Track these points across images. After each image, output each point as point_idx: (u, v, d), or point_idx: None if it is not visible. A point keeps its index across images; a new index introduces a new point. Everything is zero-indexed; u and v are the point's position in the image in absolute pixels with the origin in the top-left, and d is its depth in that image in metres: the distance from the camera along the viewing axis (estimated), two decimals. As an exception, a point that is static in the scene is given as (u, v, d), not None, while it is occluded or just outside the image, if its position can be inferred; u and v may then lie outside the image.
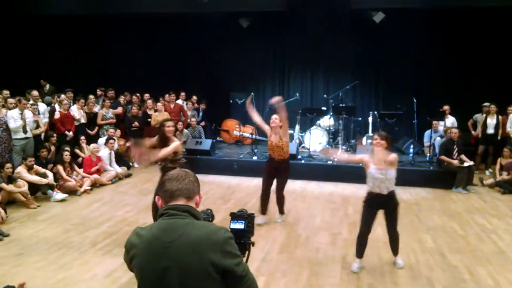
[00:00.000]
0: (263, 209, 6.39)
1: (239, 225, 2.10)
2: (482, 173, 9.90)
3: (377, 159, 4.57)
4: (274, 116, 6.07)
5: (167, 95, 11.36)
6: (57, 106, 9.61)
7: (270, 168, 6.33)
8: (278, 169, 6.27)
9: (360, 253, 4.87)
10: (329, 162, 9.41)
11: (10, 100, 8.46)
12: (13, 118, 8.00)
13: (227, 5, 11.06)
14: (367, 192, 4.76)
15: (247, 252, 2.10)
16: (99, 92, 11.26)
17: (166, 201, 1.88)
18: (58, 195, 7.56)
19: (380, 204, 4.71)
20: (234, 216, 2.13)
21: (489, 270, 4.88)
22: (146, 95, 11.38)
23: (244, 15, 11.70)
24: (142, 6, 11.49)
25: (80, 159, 8.93)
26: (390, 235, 4.88)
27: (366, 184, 4.77)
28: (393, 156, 4.59)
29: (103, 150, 9.28)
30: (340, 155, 4.85)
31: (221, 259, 1.72)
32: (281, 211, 6.56)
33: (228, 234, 1.80)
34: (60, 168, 7.97)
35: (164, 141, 5.43)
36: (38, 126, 8.86)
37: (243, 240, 2.07)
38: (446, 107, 10.18)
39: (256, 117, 6.33)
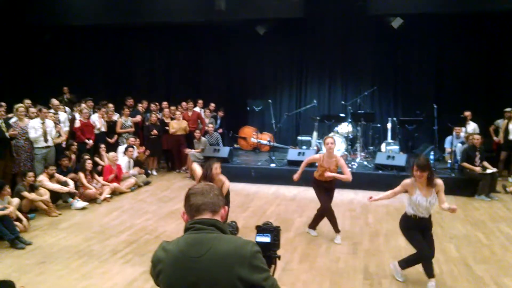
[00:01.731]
0: (336, 227, 6.09)
1: (265, 239, 2.06)
2: (505, 179, 9.68)
3: (421, 185, 4.47)
4: (330, 141, 5.91)
5: (184, 103, 11.43)
6: (77, 115, 9.74)
7: (322, 188, 6.10)
8: (330, 188, 6.11)
9: (429, 273, 4.60)
10: (348, 170, 9.29)
11: (32, 110, 8.60)
12: (34, 128, 8.13)
13: (243, 13, 11.11)
14: (408, 215, 4.61)
15: (273, 266, 2.07)
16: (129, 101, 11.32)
17: (192, 215, 1.86)
18: (79, 203, 7.64)
19: (421, 227, 4.60)
20: (260, 230, 2.09)
21: (517, 282, 4.75)
22: (164, 103, 11.47)
23: (261, 22, 11.72)
24: (160, 15, 11.61)
25: (99, 167, 9.02)
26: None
27: (405, 207, 4.66)
28: (440, 183, 4.48)
29: (122, 159, 9.36)
30: (380, 196, 4.82)
31: (249, 274, 1.70)
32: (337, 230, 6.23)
33: (255, 248, 1.77)
34: (81, 175, 8.06)
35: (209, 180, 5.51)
36: (59, 135, 8.98)
37: (269, 254, 2.04)
38: (467, 113, 10.00)
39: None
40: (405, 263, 4.75)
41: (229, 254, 1.71)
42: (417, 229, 4.59)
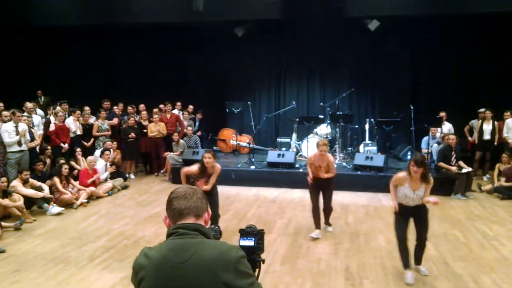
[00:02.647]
0: (317, 224, 6.32)
1: (249, 242, 2.03)
2: (479, 179, 9.90)
3: (413, 182, 4.66)
4: (324, 148, 6.09)
5: (162, 105, 11.30)
6: (52, 118, 9.52)
7: (315, 186, 6.31)
8: (324, 186, 6.33)
9: (404, 263, 4.81)
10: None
11: (5, 113, 8.35)
12: (8, 131, 7.90)
13: (222, 14, 11.06)
14: (398, 203, 4.82)
15: (257, 269, 2.04)
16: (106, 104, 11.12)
17: (175, 220, 1.81)
18: (54, 208, 7.45)
19: (410, 214, 4.81)
20: (244, 233, 2.06)
21: (493, 278, 4.83)
22: (141, 106, 11.31)
23: (239, 24, 11.70)
24: (138, 16, 11.46)
25: (75, 172, 8.82)
26: (418, 243, 4.89)
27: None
28: (432, 180, 4.71)
29: (98, 162, 9.19)
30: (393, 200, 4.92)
31: (235, 280, 1.66)
32: (328, 222, 6.58)
33: (240, 253, 1.73)
34: (56, 180, 7.87)
35: (205, 171, 5.93)
36: (33, 139, 8.74)
37: (253, 257, 2.01)
38: (442, 114, 10.19)
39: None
40: (401, 260, 4.85)
41: (214, 259, 1.67)
42: (404, 216, 4.80)
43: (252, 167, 9.93)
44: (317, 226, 6.30)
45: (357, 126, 11.40)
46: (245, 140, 11.66)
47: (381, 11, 10.56)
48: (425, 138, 10.06)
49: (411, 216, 4.83)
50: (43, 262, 5.36)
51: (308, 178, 6.27)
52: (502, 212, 7.54)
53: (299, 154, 10.70)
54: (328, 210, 6.47)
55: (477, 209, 7.78)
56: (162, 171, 10.75)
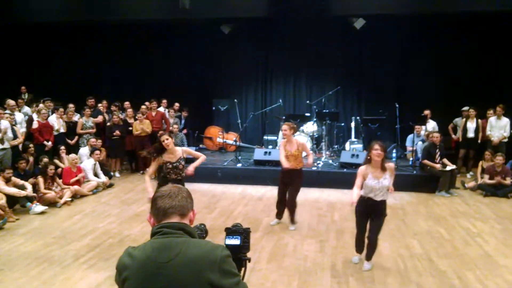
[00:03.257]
0: (279, 215, 6.64)
1: (235, 241, 2.02)
2: (463, 176, 10.04)
3: (374, 168, 4.75)
4: (284, 127, 6.21)
5: (147, 103, 11.20)
6: (35, 116, 9.36)
7: (283, 176, 6.40)
8: (291, 178, 6.32)
9: (356, 248, 5.16)
10: (314, 168, 9.40)
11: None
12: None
13: (208, 12, 11.00)
14: (362, 195, 4.87)
15: (243, 268, 2.02)
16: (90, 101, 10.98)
17: (159, 219, 1.79)
18: (38, 207, 7.33)
19: (369, 208, 4.87)
20: (230, 232, 2.04)
21: (477, 275, 4.90)
22: (126, 103, 11.20)
23: (225, 21, 11.65)
24: (123, 13, 11.34)
25: (59, 170, 8.69)
26: (369, 242, 5.00)
27: (352, 190, 4.87)
28: (391, 165, 4.88)
29: (87, 161, 9.08)
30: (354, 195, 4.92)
31: (220, 279, 1.65)
32: (293, 220, 6.57)
33: (225, 252, 1.72)
34: (41, 180, 7.74)
35: (171, 154, 5.60)
36: (15, 137, 8.60)
37: (239, 256, 1.99)
38: (427, 112, 10.30)
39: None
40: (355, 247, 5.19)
41: (199, 259, 1.65)
42: (365, 212, 4.93)
43: (239, 165, 9.91)
44: (277, 215, 6.62)
45: (343, 124, 11.46)
46: (231, 138, 11.63)
47: (367, 9, 10.62)
48: (410, 136, 10.17)
49: (370, 213, 4.91)
50: (26, 262, 5.27)
51: (282, 162, 6.23)
52: (485, 209, 7.65)
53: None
54: (290, 205, 6.45)
55: (461, 206, 7.88)
56: (147, 170, 10.64)
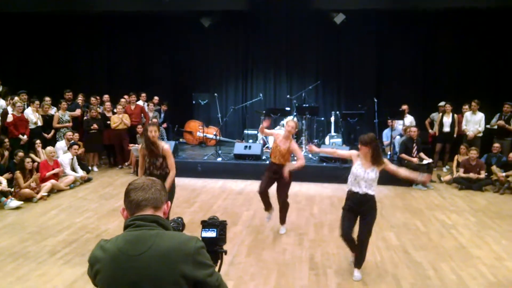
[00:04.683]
0: (267, 206, 6.12)
1: (211, 234, 2.01)
2: (439, 170, 10.23)
3: (365, 161, 4.54)
4: (292, 124, 5.78)
5: (126, 96, 11.06)
6: (9, 109, 9.14)
7: (270, 172, 5.98)
8: (279, 174, 5.82)
9: (352, 251, 4.81)
10: (293, 162, 9.42)
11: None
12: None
13: (188, 4, 10.91)
14: (347, 190, 4.67)
15: (219, 261, 2.02)
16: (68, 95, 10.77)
17: (132, 212, 1.77)
18: (12, 202, 7.18)
19: (357, 204, 4.55)
20: (206, 224, 2.04)
21: (452, 266, 5.01)
22: (106, 97, 11.04)
23: (205, 14, 11.56)
24: (101, 4, 11.12)
25: (35, 164, 8.52)
26: (359, 245, 4.64)
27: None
28: (385, 160, 4.63)
29: (64, 155, 8.92)
30: (325, 149, 4.70)
31: (193, 271, 1.64)
32: (284, 221, 6.17)
33: (199, 243, 1.71)
34: (19, 176, 7.56)
35: (151, 148, 5.19)
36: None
37: (215, 248, 1.99)
38: (404, 107, 10.45)
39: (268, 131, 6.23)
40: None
41: (172, 250, 1.64)
42: (352, 209, 4.59)
43: (219, 159, 9.89)
44: (267, 208, 6.14)
45: (323, 119, 11.54)
46: (211, 132, 11.58)
47: (347, 4, 10.71)
48: (386, 131, 10.33)
49: (358, 213, 4.59)
50: (1, 258, 5.16)
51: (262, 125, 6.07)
52: (460, 202, 7.83)
53: (266, 146, 10.72)
54: (282, 205, 6.03)
55: (436, 199, 8.04)
56: (126, 164, 10.55)
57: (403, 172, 4.80)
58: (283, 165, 5.79)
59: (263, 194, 6.02)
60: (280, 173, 5.78)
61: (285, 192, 5.97)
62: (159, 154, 5.20)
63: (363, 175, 4.49)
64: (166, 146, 5.29)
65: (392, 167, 4.69)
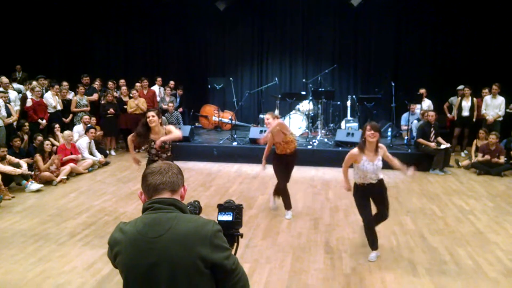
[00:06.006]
0: (287, 204, 6.17)
1: (227, 217, 2.03)
2: (457, 154, 10.10)
3: (369, 151, 4.57)
4: (266, 116, 5.84)
5: (139, 81, 11.11)
6: (28, 94, 9.28)
7: (282, 165, 6.07)
8: (287, 163, 6.05)
9: (371, 244, 4.76)
10: (309, 147, 9.43)
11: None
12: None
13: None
14: (357, 184, 4.72)
15: (235, 244, 2.05)
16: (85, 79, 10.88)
17: (150, 195, 1.80)
18: (33, 185, 7.35)
19: (371, 193, 4.70)
20: (222, 208, 2.06)
21: (469, 251, 4.98)
22: (122, 81, 11.11)
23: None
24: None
25: (54, 148, 8.67)
26: (377, 219, 4.82)
27: (353, 168, 4.75)
28: (382, 145, 4.69)
29: (82, 139, 9.06)
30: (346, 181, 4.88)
31: (210, 253, 1.66)
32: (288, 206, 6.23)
33: (216, 227, 1.74)
34: (39, 158, 7.71)
35: (148, 133, 5.39)
36: (9, 115, 8.54)
37: (231, 232, 2.01)
38: (422, 90, 10.29)
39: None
40: (368, 241, 4.82)
41: (190, 233, 1.67)
42: (366, 196, 4.70)
43: (234, 143, 9.92)
44: (288, 206, 6.16)
45: (339, 103, 11.44)
46: (227, 117, 11.61)
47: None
48: (405, 115, 10.19)
49: (371, 195, 4.72)
50: (22, 239, 5.31)
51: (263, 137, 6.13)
52: (478, 187, 7.72)
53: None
54: (277, 191, 6.21)
55: (454, 184, 7.95)
56: (143, 148, 10.63)
57: (396, 162, 4.79)
58: (291, 152, 5.98)
59: (285, 189, 6.12)
60: (292, 160, 6.04)
61: (288, 179, 6.12)
62: (155, 137, 5.37)
63: (372, 169, 4.58)
64: (169, 126, 5.46)
65: (389, 155, 4.77)
